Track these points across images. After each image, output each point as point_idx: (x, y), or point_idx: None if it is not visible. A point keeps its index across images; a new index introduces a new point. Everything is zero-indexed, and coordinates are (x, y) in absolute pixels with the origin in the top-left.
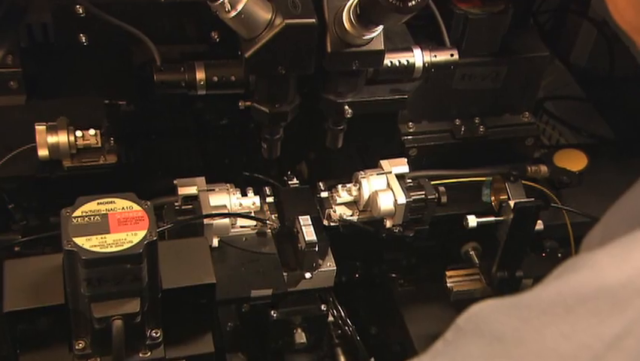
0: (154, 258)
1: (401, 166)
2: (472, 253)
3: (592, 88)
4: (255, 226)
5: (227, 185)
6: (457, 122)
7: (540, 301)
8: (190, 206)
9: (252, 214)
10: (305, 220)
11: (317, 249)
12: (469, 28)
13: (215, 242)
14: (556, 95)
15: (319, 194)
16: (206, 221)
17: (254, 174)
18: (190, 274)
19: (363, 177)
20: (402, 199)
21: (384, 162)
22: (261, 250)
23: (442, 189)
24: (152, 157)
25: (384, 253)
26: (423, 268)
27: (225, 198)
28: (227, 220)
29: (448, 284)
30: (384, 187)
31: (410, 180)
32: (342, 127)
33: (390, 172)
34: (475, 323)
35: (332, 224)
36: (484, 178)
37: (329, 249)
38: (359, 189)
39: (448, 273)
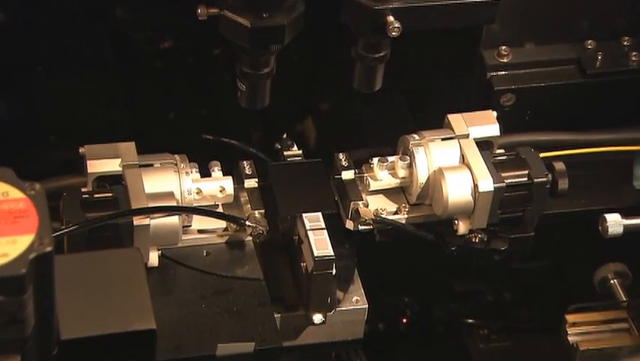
0: (47, 284)
1: (486, 125)
2: (613, 281)
3: None
4: (225, 229)
5: (176, 157)
6: (590, 44)
7: None
8: (109, 194)
9: (220, 209)
10: (313, 221)
11: (334, 272)
12: None
13: (155, 258)
14: None
15: (339, 174)
16: (137, 221)
17: (222, 137)
18: (110, 313)
19: (418, 145)
20: (487, 184)
21: (454, 119)
22: (235, 272)
23: (559, 166)
24: (42, 107)
25: (453, 282)
26: (523, 308)
27: (172, 181)
28: (175, 220)
29: (570, 338)
30: (454, 162)
31: (503, 151)
32: (382, 55)
33: (467, 135)
34: None
35: (362, 228)
36: (635, 148)
37: (356, 272)
38: (410, 165)
39: (569, 318)
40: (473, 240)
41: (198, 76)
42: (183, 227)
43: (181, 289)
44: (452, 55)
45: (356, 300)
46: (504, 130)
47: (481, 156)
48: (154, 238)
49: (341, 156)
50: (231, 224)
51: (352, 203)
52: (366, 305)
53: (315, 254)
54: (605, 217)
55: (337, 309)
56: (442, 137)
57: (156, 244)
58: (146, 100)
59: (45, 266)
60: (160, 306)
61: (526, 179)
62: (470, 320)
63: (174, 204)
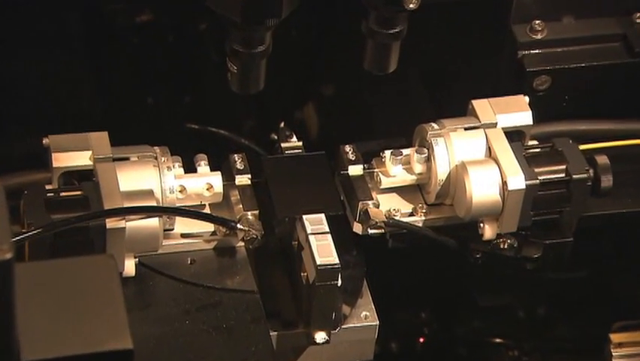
0: (5, 296)
1: (517, 113)
2: None
3: None
4: (213, 233)
5: (156, 149)
6: (638, 18)
7: None
8: (77, 192)
9: (207, 210)
10: (315, 224)
11: (339, 283)
12: None
13: (131, 266)
14: None
15: (345, 169)
16: (110, 224)
17: (209, 127)
18: (80, 331)
19: (437, 135)
20: (518, 181)
21: (480, 105)
22: (225, 282)
23: (602, 160)
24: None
25: (478, 295)
26: (560, 326)
27: (151, 177)
28: (155, 222)
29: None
30: (480, 156)
31: (536, 142)
32: (397, 31)
33: (495, 124)
34: None
35: (372, 232)
36: None
37: (365, 283)
38: (428, 159)
39: (614, 337)
40: (501, 246)
41: (181, 55)
42: (164, 231)
43: (162, 303)
44: (478, 31)
45: (365, 316)
46: (538, 118)
47: (510, 149)
48: (130, 243)
49: (347, 148)
50: (220, 227)
51: (361, 203)
52: (377, 322)
53: (318, 262)
54: None
55: (343, 326)
56: (466, 126)
57: (133, 251)
58: (120, 83)
59: (3, 276)
60: (137, 322)
61: (563, 175)
62: (498, 340)
63: (154, 203)
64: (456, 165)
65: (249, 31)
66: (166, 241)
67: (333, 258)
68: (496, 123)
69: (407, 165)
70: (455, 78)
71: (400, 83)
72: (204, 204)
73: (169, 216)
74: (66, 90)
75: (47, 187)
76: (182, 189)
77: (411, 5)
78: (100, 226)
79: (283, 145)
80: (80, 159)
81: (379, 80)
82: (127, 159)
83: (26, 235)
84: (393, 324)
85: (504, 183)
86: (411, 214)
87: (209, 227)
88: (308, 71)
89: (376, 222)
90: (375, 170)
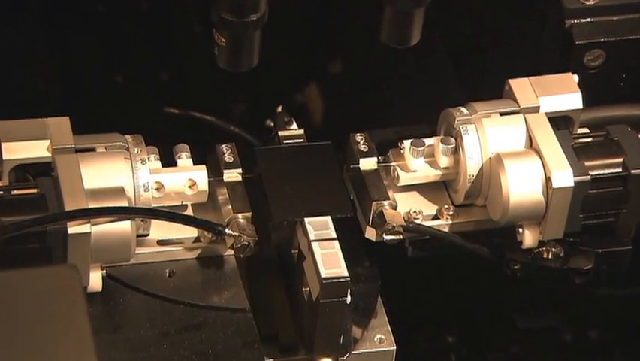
0: None
1: (564, 94)
2: None
3: None
4: (197, 240)
5: (128, 138)
6: None
7: None
8: (33, 190)
9: (189, 212)
10: (320, 228)
11: (349, 300)
12: None
13: (98, 280)
14: None
15: (356, 162)
16: (73, 228)
17: (192, 111)
18: (38, 357)
19: (467, 122)
20: (564, 177)
21: (518, 85)
22: (211, 300)
23: None
24: None
25: (515, 316)
26: (614, 352)
27: (122, 171)
28: (126, 226)
29: None
30: (518, 147)
31: (587, 130)
32: None
33: (537, 109)
34: None
35: (388, 238)
36: None
37: (379, 300)
38: (455, 150)
39: None
40: (545, 256)
41: (158, 26)
42: (138, 237)
43: (134, 324)
44: None
45: (379, 339)
46: (589, 101)
47: (556, 138)
48: (97, 251)
49: (359, 137)
50: (205, 233)
51: (375, 203)
52: (394, 347)
53: (323, 275)
54: None
55: (353, 352)
56: (502, 110)
57: (100, 261)
58: (85, 60)
59: None
60: (105, 347)
61: (620, 170)
62: None
63: (125, 204)
64: (489, 158)
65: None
66: (139, 249)
67: (340, 270)
68: (539, 107)
69: (430, 157)
70: (489, 53)
71: (422, 58)
72: (186, 205)
73: (143, 219)
74: (20, 67)
75: None
76: (160, 187)
77: None
78: (60, 231)
79: (281, 133)
80: (36, 149)
81: (398, 55)
82: (92, 150)
83: None
84: (414, 350)
85: (548, 180)
86: (435, 217)
87: (191, 232)
88: (311, 44)
89: (393, 227)
90: (393, 163)
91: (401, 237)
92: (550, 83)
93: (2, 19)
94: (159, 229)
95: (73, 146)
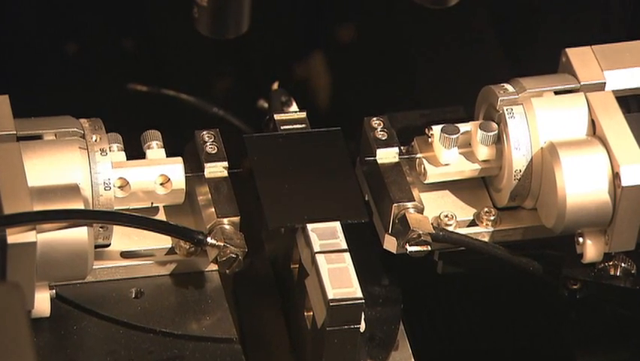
0: None
1: (635, 68)
2: None
3: None
4: (171, 251)
5: (84, 122)
6: None
7: None
8: None
9: (162, 216)
10: (327, 238)
11: (363, 327)
12: None
13: (46, 302)
14: None
15: (372, 154)
16: (14, 237)
17: (164, 89)
18: None
19: (513, 103)
20: (637, 173)
21: (578, 56)
22: (189, 327)
23: None
24: None
25: (574, 348)
26: None
27: (77, 164)
28: (82, 234)
29: None
30: (578, 135)
31: None
32: None
33: (602, 86)
34: None
35: (413, 249)
36: None
37: (401, 327)
38: (498, 139)
39: None
40: (612, 272)
41: None
42: (96, 248)
43: (91, 358)
44: None
45: None
46: None
47: (626, 123)
48: (44, 266)
49: (375, 122)
50: (181, 242)
51: (395, 205)
52: None
53: (330, 296)
54: None
55: None
56: (557, 88)
57: (48, 278)
58: (29, 26)
59: None
60: None
61: None
62: None
63: (80, 206)
64: (541, 149)
65: None
66: (98, 263)
67: (352, 289)
68: (604, 84)
69: (466, 147)
70: (541, 15)
71: (458, 23)
72: (157, 207)
73: (103, 225)
74: None
75: None
76: (124, 184)
77: None
78: None
79: (277, 117)
80: None
81: (425, 18)
82: (39, 137)
83: None
84: None
85: (615, 176)
86: (472, 223)
87: (164, 242)
88: (314, 5)
89: (419, 235)
90: (418, 155)
91: (429, 248)
92: (618, 52)
93: None
94: (123, 239)
95: (14, 132)
